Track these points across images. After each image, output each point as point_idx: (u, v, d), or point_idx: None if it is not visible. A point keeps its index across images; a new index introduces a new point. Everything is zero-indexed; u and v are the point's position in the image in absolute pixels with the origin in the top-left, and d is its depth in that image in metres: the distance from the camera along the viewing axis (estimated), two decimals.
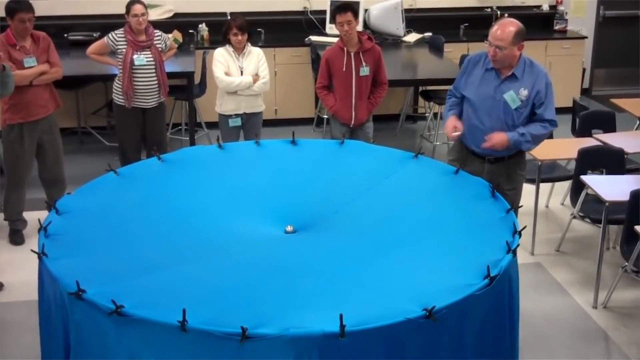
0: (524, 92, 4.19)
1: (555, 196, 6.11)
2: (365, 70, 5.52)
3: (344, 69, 5.50)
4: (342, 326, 2.59)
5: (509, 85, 4.22)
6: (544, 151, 5.27)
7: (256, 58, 5.79)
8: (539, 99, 4.23)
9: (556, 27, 8.64)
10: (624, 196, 4.47)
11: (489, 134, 4.23)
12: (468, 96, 4.34)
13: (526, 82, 4.21)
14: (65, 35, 7.56)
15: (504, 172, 4.36)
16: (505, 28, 4.10)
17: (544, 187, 5.74)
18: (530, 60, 4.29)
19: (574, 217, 5.13)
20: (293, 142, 4.41)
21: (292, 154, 4.33)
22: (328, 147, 4.45)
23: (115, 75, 5.92)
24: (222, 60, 5.73)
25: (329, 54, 5.59)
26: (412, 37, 8.18)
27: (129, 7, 5.68)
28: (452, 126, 4.29)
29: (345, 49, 5.49)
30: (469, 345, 2.97)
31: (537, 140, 4.32)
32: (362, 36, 5.57)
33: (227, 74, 5.70)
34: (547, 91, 4.24)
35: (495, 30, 4.12)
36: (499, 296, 3.09)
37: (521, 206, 3.60)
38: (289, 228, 3.54)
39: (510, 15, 8.48)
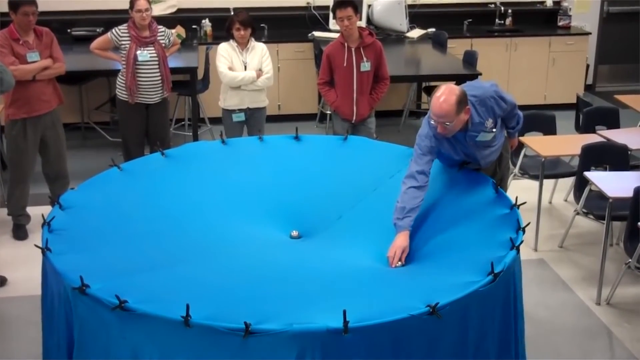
0: (489, 123, 3.80)
1: (558, 192, 6.10)
2: (366, 66, 5.51)
3: (344, 65, 5.48)
4: (345, 322, 2.59)
5: (474, 131, 3.80)
6: (547, 147, 5.26)
7: (260, 53, 5.79)
8: (505, 112, 3.94)
9: (560, 23, 8.62)
10: (628, 192, 4.46)
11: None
12: (444, 159, 4.01)
13: (485, 115, 3.79)
14: (69, 30, 7.56)
15: (490, 170, 4.16)
16: (445, 103, 3.56)
17: (548, 183, 5.73)
18: (474, 95, 3.74)
19: (578, 214, 5.12)
20: (296, 137, 4.40)
21: (296, 150, 4.32)
22: (331, 143, 4.44)
23: (118, 70, 5.92)
24: (225, 55, 5.73)
25: (330, 49, 5.58)
26: (416, 32, 8.17)
27: (132, 2, 5.67)
28: (400, 250, 3.50)
29: (346, 44, 5.48)
30: (473, 342, 2.97)
31: (520, 117, 4.10)
32: (363, 31, 5.56)
33: (230, 69, 5.70)
34: (504, 103, 3.88)
35: (435, 108, 3.60)
36: (502, 292, 3.09)
37: (524, 202, 3.59)
38: (294, 233, 3.52)
39: (514, 12, 8.56)
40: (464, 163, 3.98)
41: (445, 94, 3.57)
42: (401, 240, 3.50)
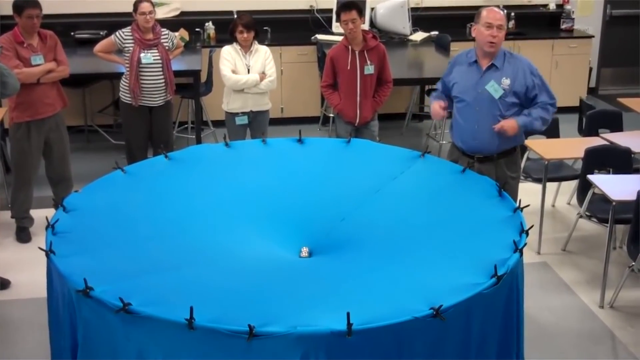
0: (506, 82, 4.26)
1: (561, 195, 6.10)
2: (369, 69, 5.52)
3: (348, 68, 5.49)
4: (349, 324, 2.60)
5: (490, 76, 4.30)
6: (550, 150, 5.27)
7: (263, 56, 5.80)
8: (532, 90, 4.27)
9: (563, 26, 8.62)
10: (631, 195, 4.46)
11: (477, 130, 4.31)
12: (453, 94, 4.43)
13: (507, 72, 4.28)
14: (72, 33, 7.56)
15: (493, 172, 4.32)
16: (498, 10, 4.27)
17: (551, 186, 5.74)
18: (510, 52, 4.38)
19: (581, 217, 5.12)
20: (299, 140, 4.41)
21: (299, 153, 4.32)
22: (335, 146, 4.44)
23: (122, 73, 5.93)
24: (229, 58, 5.74)
25: (334, 52, 5.59)
26: (419, 35, 8.17)
27: (136, 5, 5.68)
28: (437, 105, 4.42)
29: (349, 47, 5.49)
30: (475, 344, 2.97)
31: (544, 121, 4.33)
32: (367, 35, 5.57)
33: (234, 71, 5.71)
34: (537, 78, 4.30)
35: (491, 12, 4.26)
36: (505, 295, 3.09)
37: (527, 205, 3.59)
38: (304, 252, 3.51)
39: (517, 15, 8.56)
40: (471, 161, 4.04)
41: (493, 5, 4.38)
42: (435, 103, 4.45)
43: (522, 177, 5.58)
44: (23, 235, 5.43)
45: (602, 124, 5.94)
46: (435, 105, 4.42)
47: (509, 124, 4.25)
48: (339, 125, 5.73)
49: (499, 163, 4.38)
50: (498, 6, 4.45)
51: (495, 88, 4.25)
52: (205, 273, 3.10)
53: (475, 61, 4.36)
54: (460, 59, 4.50)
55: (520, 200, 3.60)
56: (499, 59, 4.30)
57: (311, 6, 8.27)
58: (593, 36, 8.63)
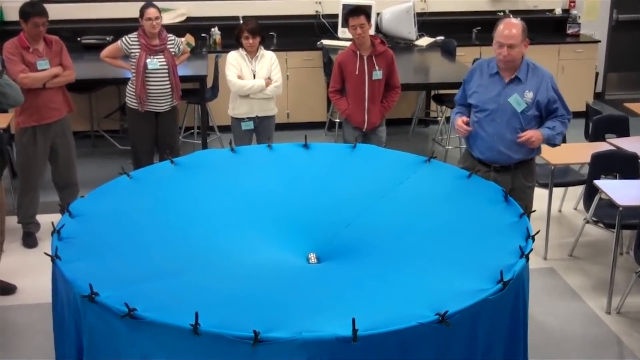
0: (529, 95, 4.19)
1: (568, 201, 6.09)
2: (378, 74, 5.51)
3: (356, 73, 5.49)
4: (354, 330, 2.59)
5: (513, 89, 4.22)
6: (557, 156, 5.25)
7: (269, 61, 5.81)
8: (553, 103, 4.22)
9: (569, 31, 8.61)
10: (638, 201, 4.45)
11: (496, 141, 4.25)
12: (474, 103, 4.34)
13: (530, 85, 4.21)
14: (79, 38, 7.59)
15: (509, 181, 4.29)
16: (513, 26, 4.13)
17: (557, 191, 5.72)
18: (534, 63, 4.29)
19: (587, 222, 5.11)
20: (305, 145, 4.41)
21: (304, 158, 4.32)
22: (340, 151, 4.44)
23: (128, 78, 5.95)
24: (234, 63, 5.75)
25: (342, 57, 5.59)
26: (424, 40, 8.17)
27: (142, 10, 5.70)
28: (460, 121, 4.33)
29: (358, 52, 5.49)
30: (481, 350, 2.96)
31: (563, 136, 4.33)
32: (375, 40, 5.57)
33: (239, 77, 5.72)
34: (557, 92, 4.25)
35: (504, 29, 4.13)
36: (511, 301, 3.08)
37: (534, 211, 3.58)
38: (312, 258, 3.51)
39: (522, 20, 8.52)
40: (486, 170, 4.01)
41: (512, 20, 4.21)
42: (459, 119, 4.34)
43: None
44: (29, 240, 5.44)
45: (608, 129, 5.92)
46: (459, 122, 4.33)
47: (536, 136, 4.19)
48: (347, 131, 5.73)
49: (515, 173, 4.34)
50: (516, 16, 4.41)
51: (518, 101, 4.18)
52: (211, 278, 3.09)
53: (497, 72, 4.27)
54: (482, 67, 4.37)
55: (527, 207, 3.58)
56: (522, 71, 4.22)
57: (317, 11, 8.28)
58: (599, 41, 8.61)
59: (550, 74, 4.31)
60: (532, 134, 4.19)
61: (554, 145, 4.33)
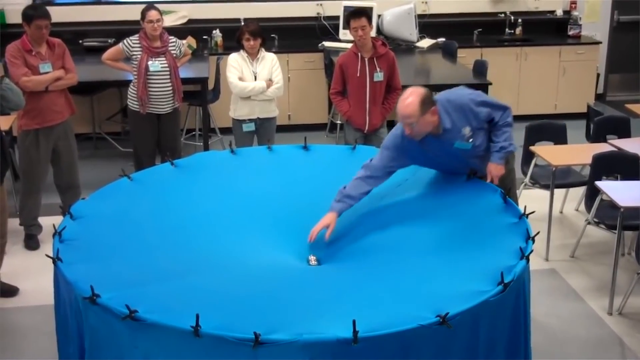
0: (467, 130, 3.83)
1: (569, 202, 6.08)
2: (379, 76, 5.52)
3: (358, 75, 5.50)
4: (355, 332, 2.59)
5: (450, 139, 3.83)
6: (558, 157, 5.25)
7: (270, 63, 5.81)
8: (488, 116, 3.90)
9: (570, 33, 8.61)
10: (639, 202, 4.44)
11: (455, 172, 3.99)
12: (424, 167, 4.04)
13: (460, 122, 3.82)
14: (80, 41, 7.61)
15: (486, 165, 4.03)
16: (408, 104, 3.65)
17: (559, 192, 5.72)
18: (446, 99, 3.84)
19: (589, 223, 5.10)
20: (305, 147, 4.41)
21: (304, 160, 4.33)
22: (340, 153, 4.45)
23: (130, 81, 5.96)
24: (236, 65, 5.75)
25: (343, 59, 5.59)
26: (426, 42, 8.18)
27: (144, 13, 5.71)
28: (320, 227, 3.64)
29: (359, 54, 5.49)
30: (483, 352, 2.96)
31: (512, 138, 3.99)
32: (376, 41, 5.57)
33: (241, 79, 5.72)
34: (482, 104, 3.90)
35: (400, 107, 3.69)
36: (512, 302, 3.08)
37: (533, 212, 3.58)
38: (312, 260, 3.51)
39: (524, 21, 8.56)
40: (473, 173, 3.97)
41: (409, 95, 3.68)
42: (326, 219, 3.65)
43: (529, 184, 5.59)
44: (31, 242, 5.45)
45: (609, 130, 5.92)
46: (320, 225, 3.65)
47: (496, 171, 3.91)
48: (348, 132, 5.74)
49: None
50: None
51: (463, 144, 3.86)
52: (212, 280, 3.10)
53: (427, 136, 3.81)
54: (402, 143, 3.84)
55: (525, 207, 3.58)
56: (444, 121, 3.77)
57: (318, 13, 8.29)
58: (600, 42, 8.61)
59: (466, 91, 3.97)
60: (494, 173, 3.91)
61: (512, 152, 4.05)
